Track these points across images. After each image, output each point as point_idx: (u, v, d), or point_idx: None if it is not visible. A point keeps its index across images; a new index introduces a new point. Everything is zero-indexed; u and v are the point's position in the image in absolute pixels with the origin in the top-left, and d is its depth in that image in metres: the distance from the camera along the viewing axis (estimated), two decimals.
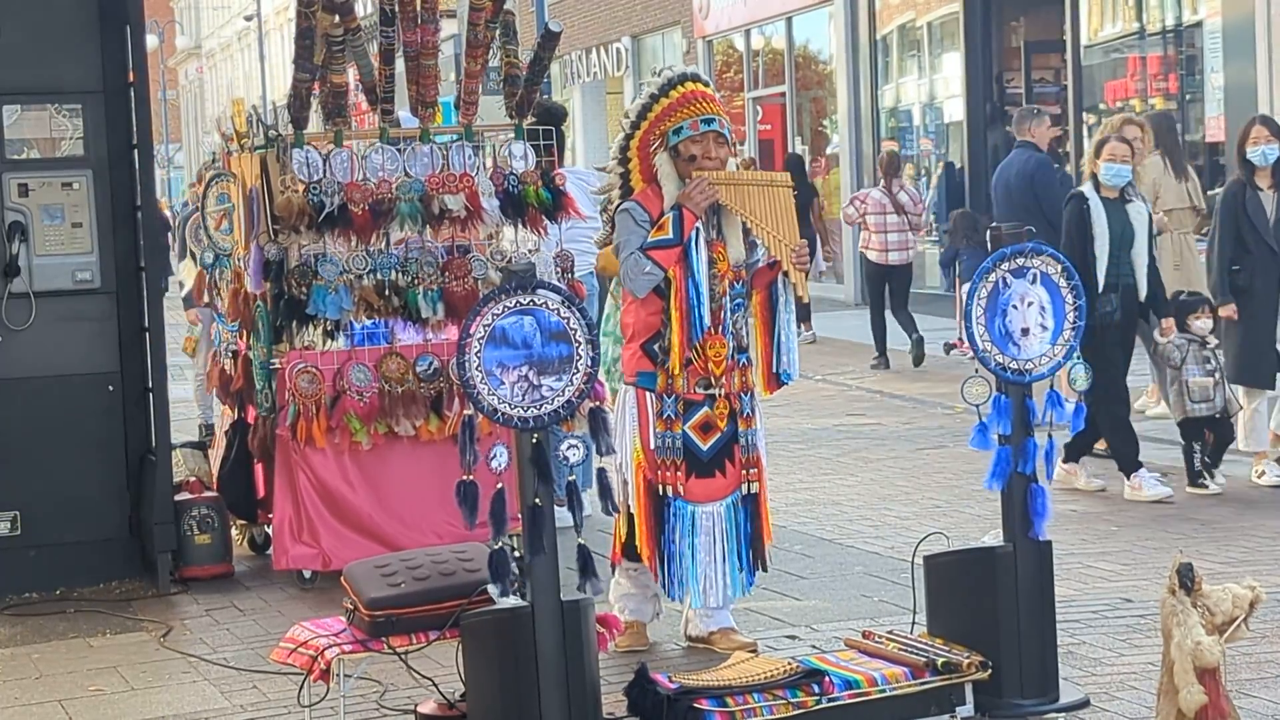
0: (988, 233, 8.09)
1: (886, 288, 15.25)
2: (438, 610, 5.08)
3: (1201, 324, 9.14)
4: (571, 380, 4.78)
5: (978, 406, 5.25)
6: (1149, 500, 8.81)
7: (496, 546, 4.76)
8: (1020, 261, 5.26)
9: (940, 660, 5.08)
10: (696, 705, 4.79)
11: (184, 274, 11.95)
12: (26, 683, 6.36)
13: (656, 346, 6.05)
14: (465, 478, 4.75)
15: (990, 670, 5.12)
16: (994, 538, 5.34)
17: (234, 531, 8.13)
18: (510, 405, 4.73)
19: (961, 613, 5.29)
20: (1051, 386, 5.61)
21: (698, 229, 6.00)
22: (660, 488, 6.06)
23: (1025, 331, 5.25)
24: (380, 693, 5.85)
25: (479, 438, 4.83)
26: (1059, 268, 5.30)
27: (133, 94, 7.80)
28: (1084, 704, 5.34)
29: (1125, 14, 16.94)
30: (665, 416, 6.05)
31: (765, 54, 24.49)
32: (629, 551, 6.17)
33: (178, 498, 7.77)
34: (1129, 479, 8.97)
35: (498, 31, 7.86)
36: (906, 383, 14.05)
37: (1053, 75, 17.96)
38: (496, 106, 8.27)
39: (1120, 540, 8.01)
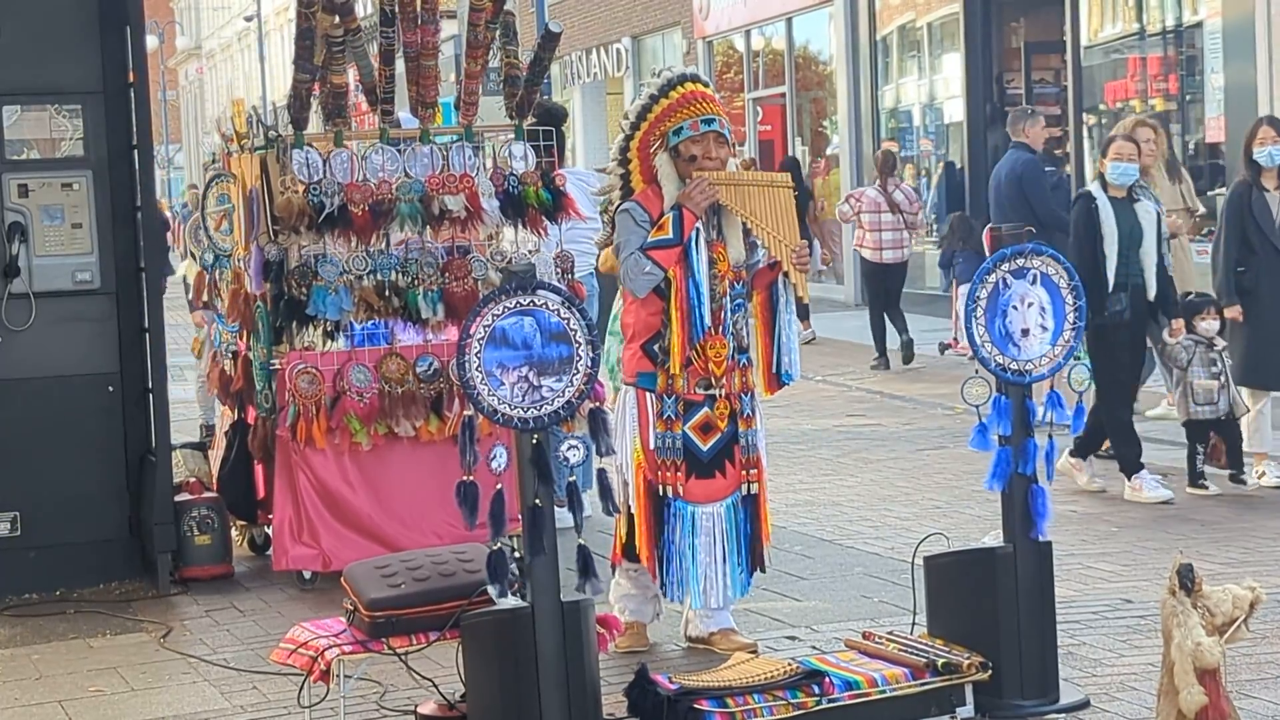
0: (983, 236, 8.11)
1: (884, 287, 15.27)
2: (438, 611, 5.08)
3: (1207, 325, 9.12)
4: (571, 381, 4.78)
5: (978, 407, 5.26)
6: (1149, 502, 8.81)
7: (496, 547, 4.77)
8: (1020, 262, 5.27)
9: (940, 661, 5.08)
10: (697, 706, 4.79)
11: (188, 275, 11.97)
12: (26, 683, 6.36)
13: (657, 347, 6.05)
14: (465, 478, 4.75)
15: (990, 671, 5.12)
16: (994, 538, 5.35)
17: (234, 532, 8.12)
18: (510, 406, 4.73)
19: (962, 613, 5.29)
20: (1052, 387, 5.61)
21: (698, 229, 5.99)
22: (660, 488, 6.05)
23: (1025, 332, 5.25)
24: (380, 693, 5.85)
25: (479, 438, 4.83)
26: (1059, 268, 5.30)
27: (133, 94, 7.80)
28: (1084, 705, 5.34)
29: (1125, 14, 16.92)
30: (665, 417, 6.05)
31: (765, 55, 24.47)
32: (629, 552, 6.16)
33: (178, 498, 7.77)
34: (1129, 480, 8.97)
35: (498, 32, 7.86)
36: (906, 383, 14.04)
37: (1053, 76, 17.94)
38: (496, 107, 8.27)
39: (1120, 541, 8.01)
